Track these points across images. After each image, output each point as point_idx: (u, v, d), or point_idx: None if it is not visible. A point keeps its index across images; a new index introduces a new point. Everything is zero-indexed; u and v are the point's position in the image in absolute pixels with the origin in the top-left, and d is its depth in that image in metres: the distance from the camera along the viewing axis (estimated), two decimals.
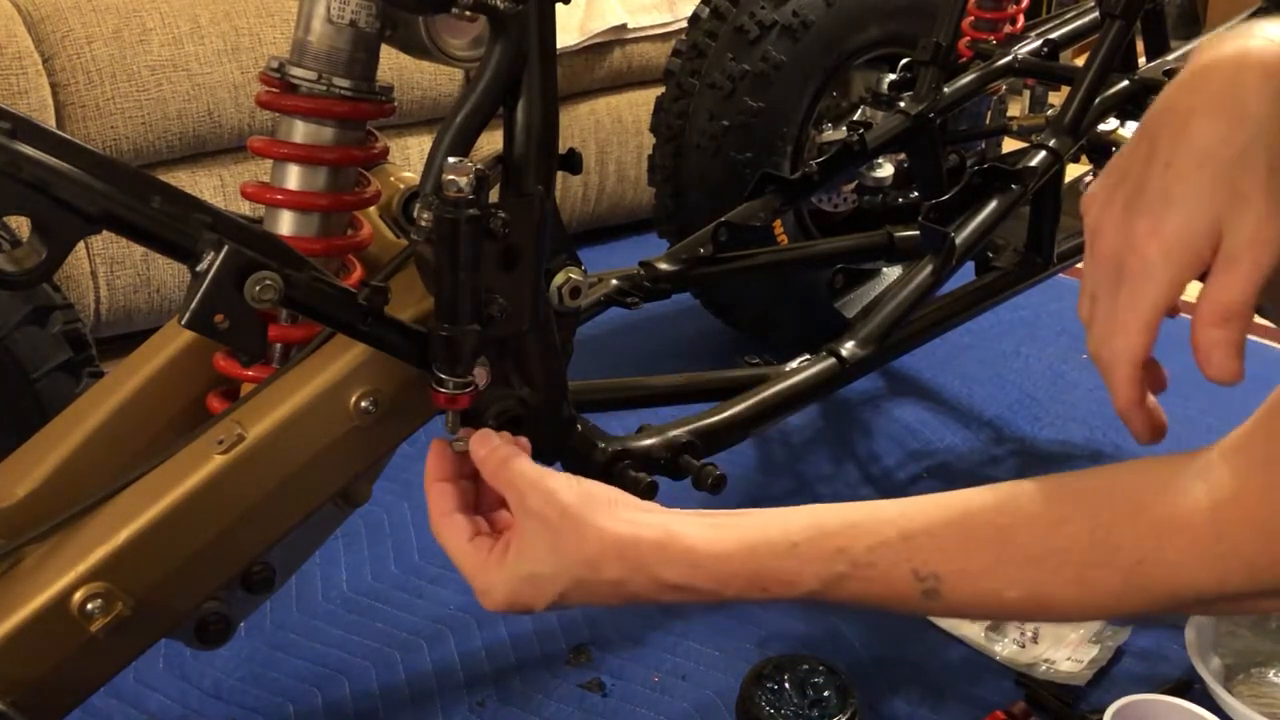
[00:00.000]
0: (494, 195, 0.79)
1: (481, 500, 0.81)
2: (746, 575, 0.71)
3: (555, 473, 0.76)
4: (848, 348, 1.18)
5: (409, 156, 2.06)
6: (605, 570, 0.72)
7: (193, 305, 0.72)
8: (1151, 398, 0.66)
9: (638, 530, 0.72)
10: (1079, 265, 1.53)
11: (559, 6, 0.83)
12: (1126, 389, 0.63)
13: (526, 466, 0.76)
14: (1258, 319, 0.63)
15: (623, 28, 2.22)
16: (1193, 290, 0.60)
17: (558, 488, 0.74)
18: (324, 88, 0.83)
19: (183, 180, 1.83)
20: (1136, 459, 0.68)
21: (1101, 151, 1.51)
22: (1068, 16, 1.60)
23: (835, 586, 0.70)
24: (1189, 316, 0.60)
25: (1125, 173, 0.62)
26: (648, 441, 1.02)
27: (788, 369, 1.16)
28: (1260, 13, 1.53)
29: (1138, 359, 0.62)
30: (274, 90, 0.85)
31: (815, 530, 0.70)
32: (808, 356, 1.18)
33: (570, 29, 2.15)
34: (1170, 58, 1.47)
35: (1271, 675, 1.14)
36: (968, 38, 1.61)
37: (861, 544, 0.69)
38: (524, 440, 0.82)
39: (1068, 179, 1.47)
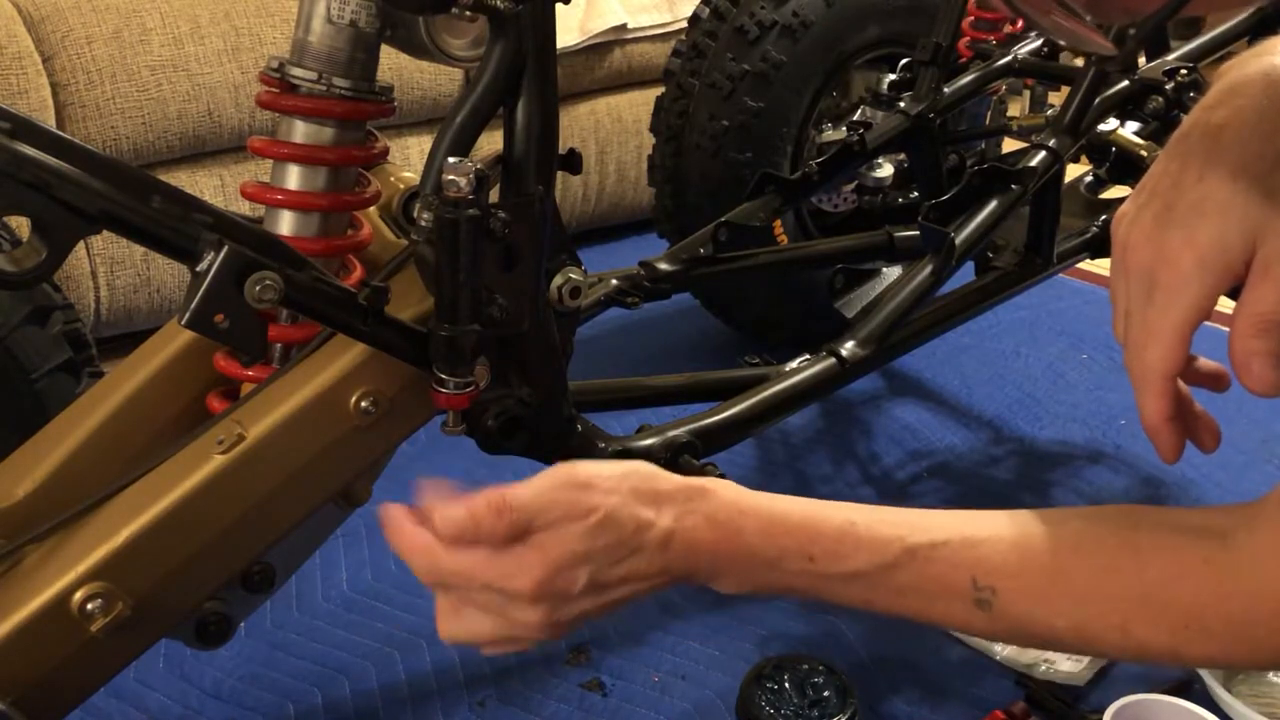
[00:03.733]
0: (494, 195, 0.80)
1: None
2: (799, 537, 0.69)
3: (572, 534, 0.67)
4: (848, 348, 1.18)
5: (409, 156, 2.06)
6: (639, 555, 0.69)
7: (193, 305, 0.72)
8: (1199, 406, 0.67)
9: (680, 521, 0.69)
10: (1079, 265, 1.53)
11: (559, 6, 0.83)
12: (1155, 402, 0.62)
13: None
14: None
15: (623, 28, 2.22)
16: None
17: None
18: (324, 88, 0.83)
19: (183, 180, 1.83)
20: (1188, 509, 0.68)
21: (1101, 151, 1.51)
22: None
23: (886, 574, 0.68)
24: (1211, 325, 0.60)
25: (1154, 191, 0.62)
26: (648, 441, 1.02)
27: (788, 369, 1.16)
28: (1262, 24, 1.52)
29: (1170, 371, 0.61)
30: (274, 90, 0.85)
31: (876, 517, 0.70)
32: (808, 356, 1.18)
33: (570, 29, 2.15)
34: (1170, 58, 1.47)
35: (1271, 675, 1.14)
36: (968, 38, 1.61)
37: (924, 538, 0.68)
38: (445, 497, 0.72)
39: (1068, 179, 1.47)
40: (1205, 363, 0.69)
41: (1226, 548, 0.64)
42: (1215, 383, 0.69)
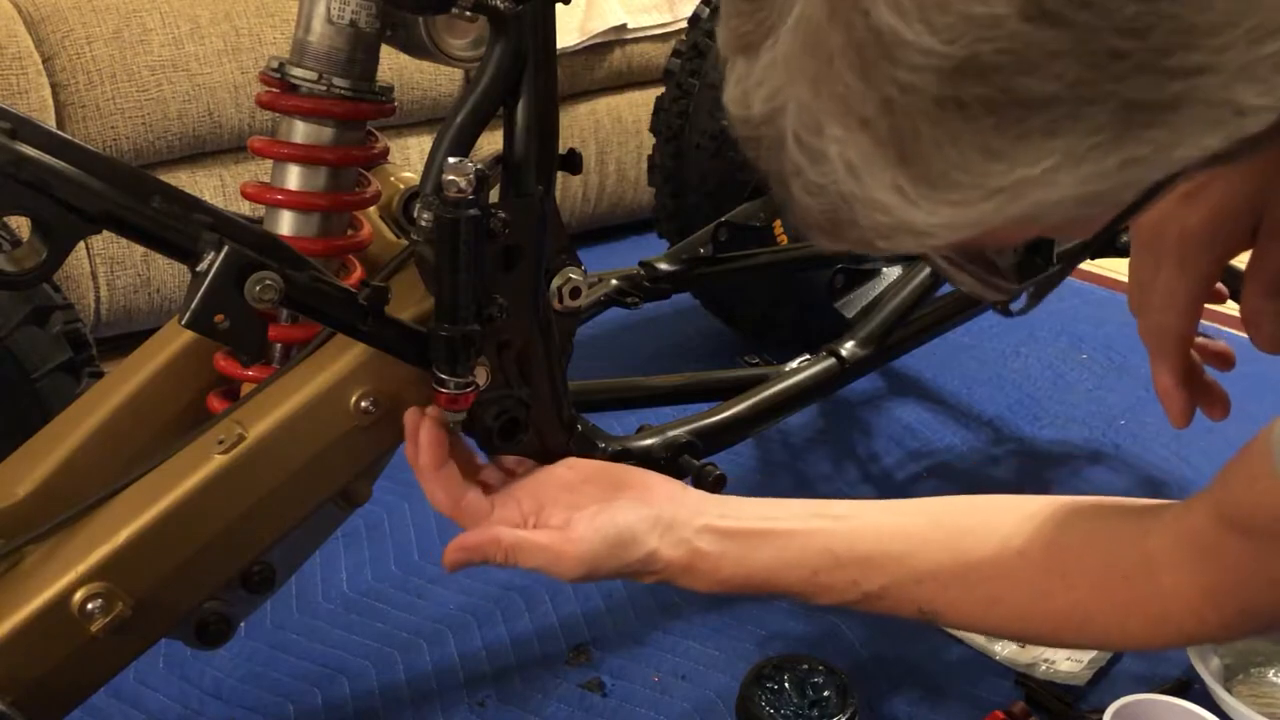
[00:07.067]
0: (494, 195, 0.80)
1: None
2: (768, 589, 0.82)
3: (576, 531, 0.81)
4: (848, 348, 1.18)
5: (409, 156, 2.06)
6: (645, 578, 0.84)
7: (193, 305, 0.72)
8: (1209, 376, 0.69)
9: (669, 553, 0.82)
10: (1079, 265, 1.53)
11: (559, 6, 0.83)
12: (1167, 364, 0.65)
13: (529, 545, 0.81)
14: None
15: (623, 28, 2.22)
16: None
17: (587, 553, 0.81)
18: (324, 88, 0.83)
19: (183, 180, 1.83)
20: (1109, 518, 0.74)
21: None
22: None
23: (849, 606, 0.81)
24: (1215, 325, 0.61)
25: None
26: (648, 441, 1.02)
27: (788, 369, 1.16)
28: None
29: (1183, 333, 0.64)
30: (274, 90, 0.85)
31: (831, 560, 0.80)
32: (808, 356, 1.18)
33: (570, 29, 2.15)
34: None
35: (1271, 675, 1.14)
36: None
37: (875, 581, 0.79)
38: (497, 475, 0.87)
39: None
40: (1212, 342, 0.71)
41: (1148, 552, 0.70)
42: (1222, 362, 0.72)
